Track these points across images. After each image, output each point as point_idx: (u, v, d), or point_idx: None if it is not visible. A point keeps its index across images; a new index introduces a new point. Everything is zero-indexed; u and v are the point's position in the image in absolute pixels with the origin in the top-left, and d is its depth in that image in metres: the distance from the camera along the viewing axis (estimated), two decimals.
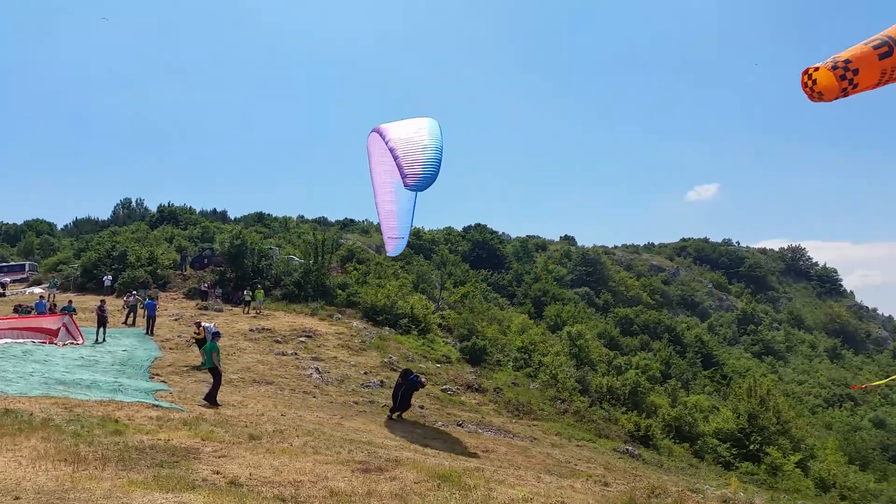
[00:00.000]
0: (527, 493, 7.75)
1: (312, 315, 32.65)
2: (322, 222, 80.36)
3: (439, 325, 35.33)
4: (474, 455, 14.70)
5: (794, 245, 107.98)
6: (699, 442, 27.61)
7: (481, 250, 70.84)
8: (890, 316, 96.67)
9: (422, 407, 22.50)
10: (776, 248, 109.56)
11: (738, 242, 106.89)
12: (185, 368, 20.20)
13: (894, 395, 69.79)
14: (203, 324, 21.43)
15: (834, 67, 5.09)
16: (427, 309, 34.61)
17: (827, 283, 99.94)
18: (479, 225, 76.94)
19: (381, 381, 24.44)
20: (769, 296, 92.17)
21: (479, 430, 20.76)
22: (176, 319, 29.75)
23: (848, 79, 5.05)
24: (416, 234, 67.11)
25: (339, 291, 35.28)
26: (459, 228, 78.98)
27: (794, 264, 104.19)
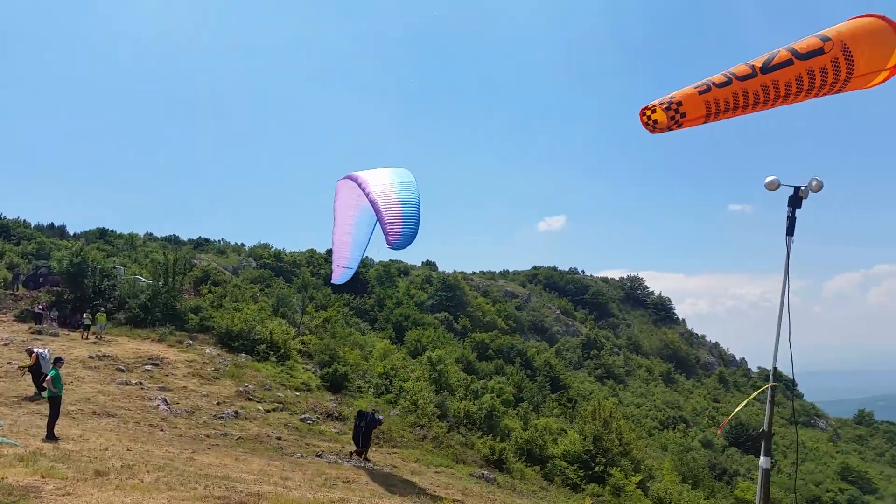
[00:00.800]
0: None
1: (160, 341, 30.66)
2: (173, 241, 75.77)
3: (299, 351, 34.46)
4: (335, 486, 14.50)
5: (632, 274, 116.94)
6: (549, 464, 28.92)
7: None
8: (716, 342, 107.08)
9: (279, 438, 21.82)
10: (617, 277, 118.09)
11: (583, 271, 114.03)
12: (15, 399, 18.27)
13: (720, 417, 77.06)
14: (36, 350, 19.54)
15: (661, 103, 6.11)
16: (287, 334, 33.67)
17: (662, 310, 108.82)
18: None
19: (236, 412, 23.41)
20: (610, 322, 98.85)
21: (339, 461, 20.47)
22: (6, 345, 26.81)
23: (674, 109, 6.04)
24: (276, 255, 65.24)
25: (192, 315, 33.44)
26: (322, 251, 77.80)
27: (633, 293, 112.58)
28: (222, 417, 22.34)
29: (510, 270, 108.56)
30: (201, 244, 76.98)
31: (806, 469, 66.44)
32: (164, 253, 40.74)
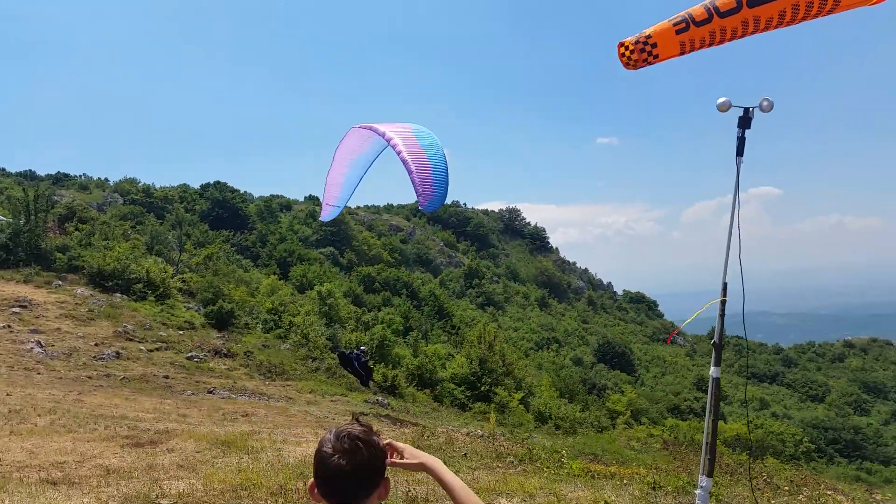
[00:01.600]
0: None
1: (26, 282, 28.47)
2: (29, 176, 68.99)
3: (180, 290, 33.22)
4: (235, 420, 14.53)
5: (511, 206, 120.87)
6: (438, 387, 30.24)
7: (222, 209, 67.34)
8: (585, 268, 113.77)
9: (167, 377, 21.32)
10: (496, 210, 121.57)
11: (465, 204, 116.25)
12: None
13: (590, 336, 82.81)
14: None
15: (636, 42, 5.94)
16: (165, 272, 32.28)
17: (537, 240, 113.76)
18: (218, 183, 72.73)
19: (117, 353, 22.49)
20: (490, 252, 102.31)
21: (233, 396, 20.38)
22: None
23: (647, 51, 5.89)
24: (145, 191, 61.39)
25: (59, 255, 31.18)
26: (196, 186, 74.02)
27: (511, 224, 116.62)
28: (102, 358, 21.41)
29: (394, 204, 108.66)
30: (61, 179, 70.74)
31: (666, 381, 73.42)
32: (24, 189, 37.27)
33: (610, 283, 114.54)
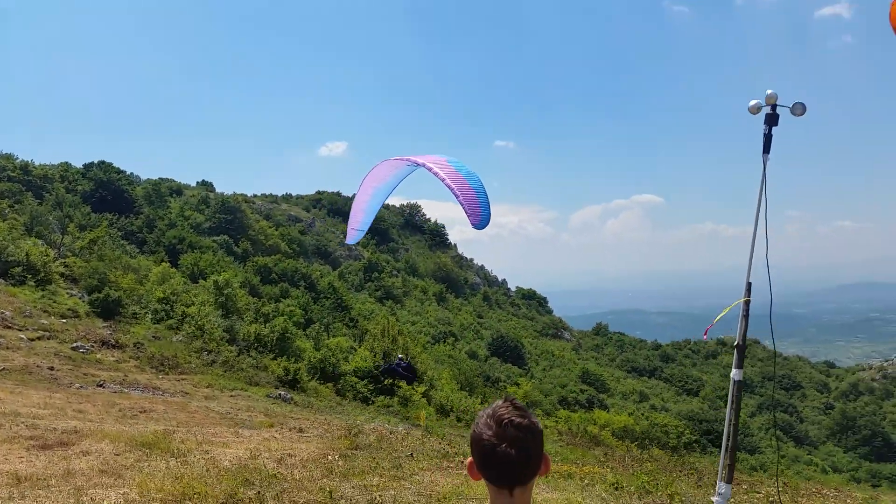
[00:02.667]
0: (250, 449, 7.78)
1: None
2: None
3: (62, 275, 30.93)
4: (136, 416, 13.75)
5: (412, 202, 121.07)
6: (341, 381, 29.93)
7: (105, 191, 62.99)
8: (482, 265, 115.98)
9: (52, 368, 19.86)
10: (397, 205, 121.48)
11: None
12: None
13: (485, 331, 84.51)
14: None
15: None
16: (47, 256, 29.94)
17: (437, 236, 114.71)
18: (102, 163, 67.96)
19: None
20: (390, 246, 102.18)
21: (125, 390, 19.31)
22: None
23: None
24: (23, 168, 56.43)
25: None
26: (79, 165, 68.88)
27: (412, 219, 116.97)
28: None
29: (293, 195, 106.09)
30: None
31: (553, 374, 76.23)
32: None
33: (504, 279, 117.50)
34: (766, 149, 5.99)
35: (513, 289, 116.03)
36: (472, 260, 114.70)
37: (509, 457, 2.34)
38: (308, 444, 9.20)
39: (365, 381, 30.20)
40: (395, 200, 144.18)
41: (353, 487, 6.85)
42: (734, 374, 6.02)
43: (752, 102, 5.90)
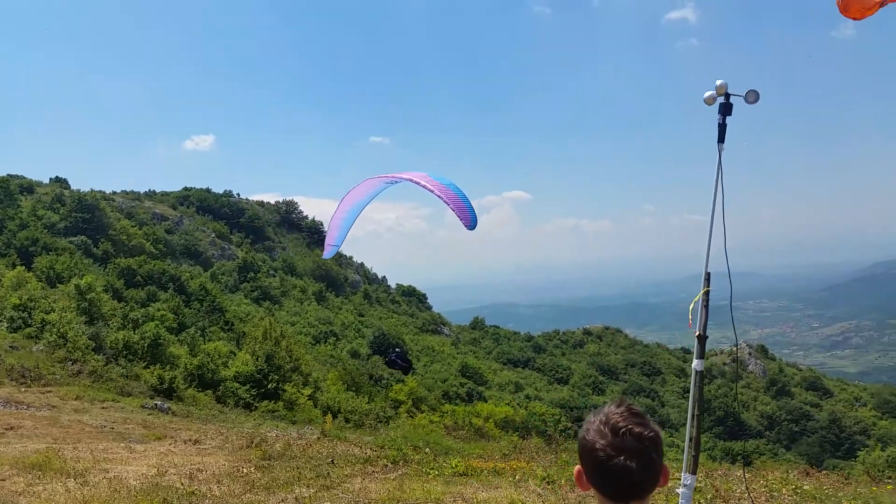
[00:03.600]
0: (154, 465, 7.40)
1: None
2: None
3: None
4: (3, 434, 12.63)
5: (288, 199, 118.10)
6: (221, 387, 28.84)
7: None
8: (362, 262, 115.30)
9: None
10: (273, 202, 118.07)
11: (238, 194, 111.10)
12: None
13: (366, 329, 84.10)
14: None
15: None
16: None
17: (315, 234, 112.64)
18: None
19: None
20: (266, 245, 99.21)
21: None
22: None
23: None
24: None
25: None
26: None
27: (288, 216, 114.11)
28: None
29: (157, 191, 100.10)
30: None
31: (434, 369, 77.37)
32: None
33: (385, 276, 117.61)
34: (721, 138, 6.10)
35: (393, 286, 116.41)
36: (351, 258, 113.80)
37: (628, 470, 2.09)
38: (214, 458, 8.88)
39: (247, 387, 29.30)
40: (270, 197, 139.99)
41: (281, 501, 6.74)
42: (696, 364, 5.96)
43: (707, 94, 6.05)
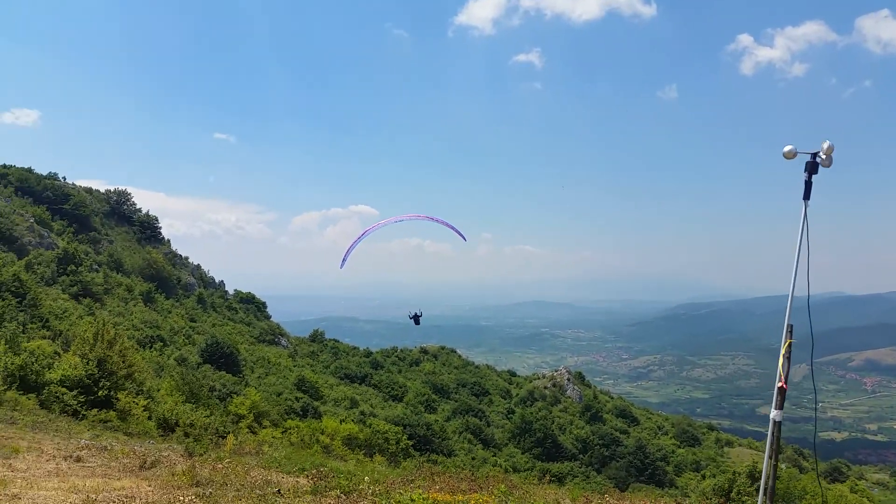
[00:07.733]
0: (69, 489, 7.08)
1: None
2: None
3: None
4: None
5: (119, 189, 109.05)
6: (45, 391, 26.60)
7: None
8: (198, 264, 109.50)
9: None
10: (102, 189, 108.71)
11: (64, 178, 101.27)
12: None
13: (198, 336, 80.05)
14: None
15: None
16: None
17: (148, 229, 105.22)
18: None
19: None
20: (91, 236, 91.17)
21: None
22: None
23: None
24: None
25: None
26: None
27: (119, 208, 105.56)
28: None
29: None
30: None
31: (269, 382, 75.28)
32: None
33: (223, 281, 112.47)
34: (807, 195, 6.17)
35: (231, 291, 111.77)
36: (187, 258, 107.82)
37: None
38: (129, 482, 8.55)
39: (75, 392, 27.20)
40: (99, 184, 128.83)
41: None
42: (774, 414, 5.71)
43: (787, 148, 6.33)
